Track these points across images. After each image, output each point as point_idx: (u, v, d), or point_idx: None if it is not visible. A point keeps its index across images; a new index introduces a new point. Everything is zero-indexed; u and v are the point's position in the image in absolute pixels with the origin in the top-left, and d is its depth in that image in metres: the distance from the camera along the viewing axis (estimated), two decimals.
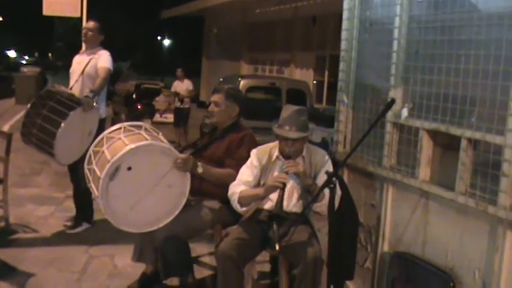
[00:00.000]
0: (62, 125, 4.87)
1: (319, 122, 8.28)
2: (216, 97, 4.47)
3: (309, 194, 3.78)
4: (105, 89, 5.85)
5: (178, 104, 13.11)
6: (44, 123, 4.92)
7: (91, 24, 6.03)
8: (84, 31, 5.96)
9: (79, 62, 5.90)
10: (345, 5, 4.33)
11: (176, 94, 13.05)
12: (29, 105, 5.12)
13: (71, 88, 5.67)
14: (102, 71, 5.65)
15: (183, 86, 13.10)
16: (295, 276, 3.68)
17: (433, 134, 3.50)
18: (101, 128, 5.35)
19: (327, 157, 3.99)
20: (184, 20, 33.66)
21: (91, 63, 5.74)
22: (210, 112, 4.49)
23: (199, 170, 4.12)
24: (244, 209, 3.95)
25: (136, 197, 3.79)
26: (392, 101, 3.59)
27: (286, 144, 3.81)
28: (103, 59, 5.74)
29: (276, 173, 3.85)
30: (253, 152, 4.04)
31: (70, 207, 6.31)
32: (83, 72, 5.73)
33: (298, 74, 17.14)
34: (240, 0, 18.46)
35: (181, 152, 4.05)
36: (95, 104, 5.35)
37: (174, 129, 13.13)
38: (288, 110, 3.89)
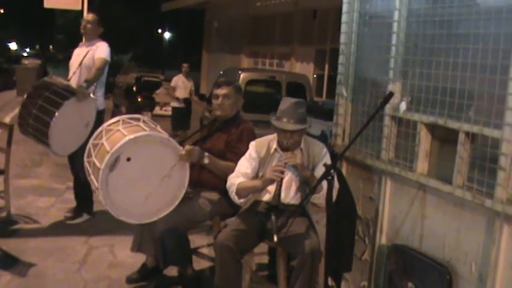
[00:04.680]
0: (56, 114, 4.90)
1: (319, 115, 8.29)
2: (226, 90, 4.44)
3: (307, 186, 3.81)
4: (104, 81, 5.85)
5: (177, 104, 12.35)
6: (39, 113, 4.95)
7: (90, 16, 6.05)
8: (83, 23, 5.97)
9: (78, 54, 5.91)
10: None
11: (185, 99, 12.19)
12: (25, 96, 5.16)
13: (69, 79, 5.69)
14: (98, 62, 5.65)
15: (188, 85, 12.36)
16: (293, 267, 3.70)
17: (431, 128, 3.51)
18: (99, 120, 5.38)
19: (325, 149, 4.01)
20: (185, 13, 33.62)
21: (89, 55, 5.75)
22: (219, 105, 4.45)
23: (206, 160, 4.15)
24: (242, 200, 3.98)
25: (136, 188, 3.82)
26: (391, 94, 3.60)
27: (284, 136, 3.83)
28: (100, 50, 5.75)
29: (273, 165, 3.87)
30: (252, 144, 4.06)
31: (70, 199, 6.33)
32: (80, 63, 5.74)
33: (299, 67, 17.12)
34: None
35: (180, 144, 4.06)
36: (92, 95, 5.37)
37: (172, 133, 10.88)
38: (286, 102, 3.91)
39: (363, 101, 4.15)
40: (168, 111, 14.87)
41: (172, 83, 12.55)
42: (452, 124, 3.26)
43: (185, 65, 12.60)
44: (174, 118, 12.51)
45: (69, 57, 6.07)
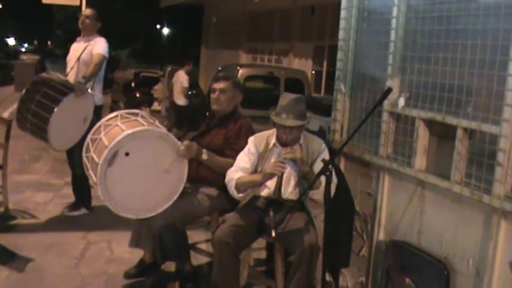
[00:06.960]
0: (55, 110, 4.91)
1: (317, 110, 8.29)
2: (223, 85, 4.43)
3: (306, 181, 3.81)
4: (102, 76, 5.86)
5: (181, 102, 11.96)
6: (38, 109, 4.96)
7: (88, 11, 6.04)
8: (81, 18, 5.96)
9: (76, 49, 5.91)
10: None
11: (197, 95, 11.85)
12: (23, 91, 5.16)
13: (66, 75, 5.69)
14: (96, 57, 5.66)
15: (187, 84, 12.02)
16: (291, 263, 3.71)
17: (429, 124, 3.51)
18: (97, 116, 5.37)
19: (323, 145, 4.01)
20: (184, 9, 33.56)
21: (87, 50, 5.75)
22: (216, 99, 4.44)
23: (204, 156, 4.14)
24: (241, 195, 3.98)
25: (135, 183, 3.82)
26: (389, 90, 3.59)
27: (283, 131, 3.83)
28: (98, 46, 5.75)
29: (273, 160, 3.88)
30: (251, 139, 4.06)
31: (69, 194, 6.34)
32: (78, 59, 5.74)
33: (297, 63, 17.09)
34: None
35: (178, 139, 4.06)
36: (89, 90, 5.37)
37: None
38: (286, 98, 3.90)
39: (361, 96, 4.16)
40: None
41: (185, 84, 12.04)
42: (451, 120, 3.26)
43: (187, 65, 12.30)
44: (177, 117, 12.16)
45: (67, 53, 6.06)
